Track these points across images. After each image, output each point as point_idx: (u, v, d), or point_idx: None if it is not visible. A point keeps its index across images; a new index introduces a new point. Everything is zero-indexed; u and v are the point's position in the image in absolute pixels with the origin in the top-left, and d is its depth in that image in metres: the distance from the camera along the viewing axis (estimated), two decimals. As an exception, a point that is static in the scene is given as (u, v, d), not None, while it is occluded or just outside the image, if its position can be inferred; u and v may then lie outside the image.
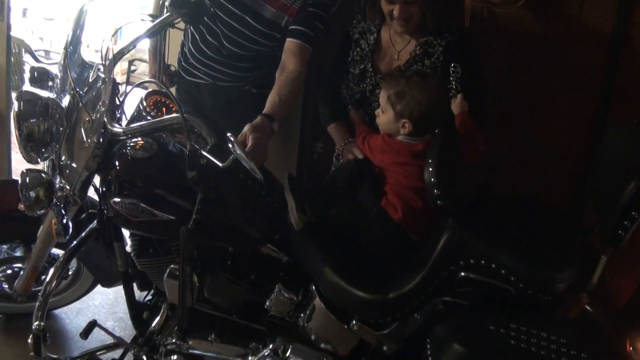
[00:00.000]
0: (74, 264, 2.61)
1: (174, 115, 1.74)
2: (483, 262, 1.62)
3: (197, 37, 2.45)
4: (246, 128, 1.92)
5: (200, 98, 2.59)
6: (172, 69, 2.70)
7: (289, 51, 2.25)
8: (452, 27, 2.14)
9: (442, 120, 1.95)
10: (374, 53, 2.25)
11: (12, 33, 3.63)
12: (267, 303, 1.92)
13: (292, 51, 2.24)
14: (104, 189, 1.88)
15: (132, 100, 2.00)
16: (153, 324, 2.08)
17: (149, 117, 1.90)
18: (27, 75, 2.16)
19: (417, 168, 1.85)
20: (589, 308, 1.72)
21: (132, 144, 1.83)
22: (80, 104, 1.88)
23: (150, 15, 2.43)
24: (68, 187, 1.92)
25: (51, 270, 2.04)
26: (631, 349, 1.71)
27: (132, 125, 1.80)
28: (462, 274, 1.65)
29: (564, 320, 1.67)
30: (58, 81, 2.06)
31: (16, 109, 1.92)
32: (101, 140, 1.80)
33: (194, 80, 2.58)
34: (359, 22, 2.29)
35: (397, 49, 2.22)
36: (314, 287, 1.89)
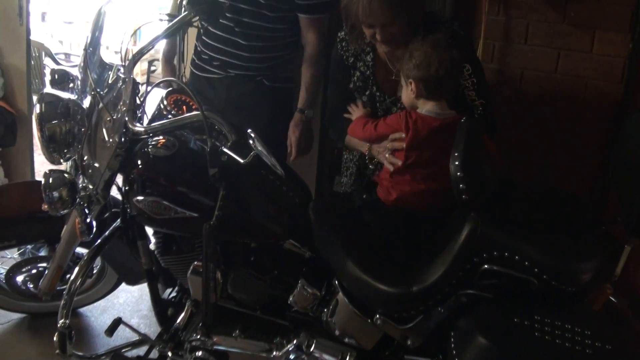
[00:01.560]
0: (98, 262, 2.63)
1: (195, 113, 1.74)
2: (506, 254, 1.61)
3: (209, 26, 2.48)
4: (290, 131, 2.50)
5: (214, 93, 2.59)
6: (184, 79, 2.73)
7: (304, 27, 2.48)
8: (446, 32, 2.02)
9: (454, 83, 1.96)
10: (375, 74, 2.18)
11: (31, 37, 3.67)
12: (291, 298, 1.93)
13: (307, 26, 2.46)
14: (126, 188, 1.89)
15: (153, 99, 2.02)
16: (178, 321, 2.09)
17: (170, 116, 1.91)
18: (47, 78, 2.18)
19: (432, 150, 1.90)
20: (613, 299, 1.71)
21: (153, 143, 1.84)
22: (101, 104, 1.90)
23: (168, 15, 2.44)
24: (91, 187, 1.94)
25: (76, 269, 2.06)
26: (657, 339, 1.70)
27: (153, 124, 1.81)
28: (486, 266, 1.64)
29: (588, 311, 1.66)
30: (78, 83, 2.07)
31: (37, 111, 1.94)
32: (123, 139, 1.81)
33: (206, 75, 2.60)
34: (348, 44, 2.20)
35: (397, 66, 2.12)
36: (336, 282, 1.90)
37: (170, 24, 2.09)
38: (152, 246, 2.06)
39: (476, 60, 2.12)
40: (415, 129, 1.91)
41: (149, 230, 2.06)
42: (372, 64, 2.17)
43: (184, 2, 2.11)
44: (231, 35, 2.44)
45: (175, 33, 2.19)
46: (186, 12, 2.09)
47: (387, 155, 2.00)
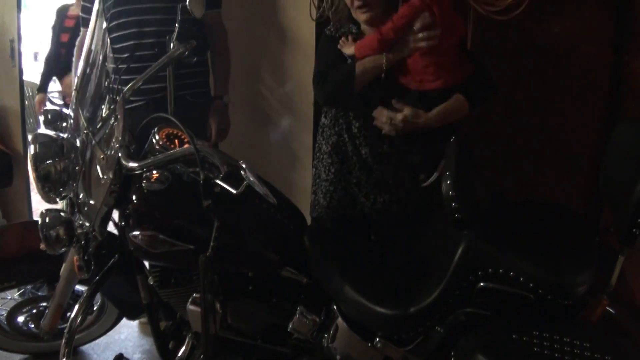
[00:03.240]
0: (98, 299, 2.64)
1: (187, 146, 1.77)
2: (501, 270, 1.63)
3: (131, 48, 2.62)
4: (210, 118, 2.77)
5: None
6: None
7: (209, 23, 2.75)
8: None
9: None
10: None
11: (24, 77, 3.71)
12: (290, 326, 1.93)
13: (212, 22, 2.75)
14: (122, 223, 1.91)
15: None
16: (179, 354, 2.09)
17: (162, 150, 1.93)
18: (41, 118, 2.20)
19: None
20: (610, 310, 1.71)
21: (147, 177, 1.86)
22: (94, 142, 1.92)
23: (158, 51, 2.48)
24: (87, 224, 1.95)
25: (76, 307, 2.07)
26: (657, 347, 1.70)
27: (146, 160, 1.83)
28: (482, 284, 1.65)
29: (586, 323, 1.67)
30: (71, 121, 2.10)
31: (32, 152, 1.96)
32: (117, 175, 1.83)
33: (132, 106, 2.61)
34: (337, 30, 2.28)
35: None
36: (335, 307, 1.91)
37: (160, 60, 2.12)
38: (150, 280, 2.07)
39: None
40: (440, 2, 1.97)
41: (147, 264, 2.07)
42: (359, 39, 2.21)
43: (172, 38, 2.14)
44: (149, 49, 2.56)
45: (164, 68, 2.21)
46: (175, 48, 2.11)
47: (419, 36, 2.01)
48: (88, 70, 2.06)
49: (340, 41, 2.21)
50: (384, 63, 2.08)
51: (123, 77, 2.22)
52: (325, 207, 2.31)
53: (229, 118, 2.87)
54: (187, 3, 2.14)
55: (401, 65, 2.09)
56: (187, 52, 2.10)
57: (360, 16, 2.13)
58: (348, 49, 2.17)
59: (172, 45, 2.12)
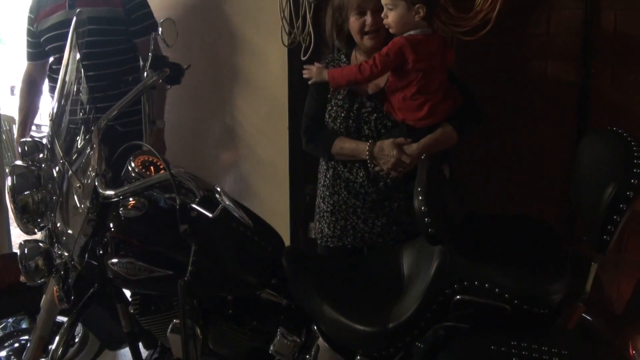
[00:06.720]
0: (80, 330, 2.61)
1: (162, 172, 1.78)
2: (476, 282, 1.65)
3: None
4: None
5: None
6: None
7: (145, 50, 2.70)
8: None
9: None
10: None
11: (1, 111, 3.71)
12: (272, 348, 1.93)
13: (147, 48, 2.57)
14: (101, 252, 1.91)
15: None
16: (162, 382, 2.08)
17: (138, 177, 1.94)
18: (19, 150, 2.21)
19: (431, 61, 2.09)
20: (587, 316, 1.74)
21: (124, 205, 1.87)
22: (71, 172, 1.93)
23: (132, 79, 2.50)
24: (66, 254, 1.95)
25: (57, 338, 2.06)
26: (634, 352, 1.72)
27: (122, 187, 1.84)
28: (458, 297, 1.67)
29: (563, 331, 1.68)
30: (47, 152, 2.11)
31: (9, 183, 1.96)
32: (94, 204, 1.84)
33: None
34: (327, 64, 2.38)
35: None
36: (315, 327, 1.91)
37: (135, 88, 2.14)
38: (130, 308, 2.06)
39: None
40: (418, 51, 2.07)
41: (128, 292, 2.06)
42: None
43: (147, 67, 2.16)
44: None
45: (139, 96, 2.23)
46: (149, 76, 2.13)
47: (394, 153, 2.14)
48: (63, 102, 2.08)
49: (304, 69, 2.28)
50: (366, 155, 2.20)
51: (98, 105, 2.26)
52: (330, 236, 2.41)
53: (164, 143, 2.93)
54: (159, 32, 2.16)
55: (392, 100, 2.17)
56: (160, 80, 2.12)
57: (368, 42, 2.23)
58: (318, 76, 2.23)
59: (145, 73, 2.14)
